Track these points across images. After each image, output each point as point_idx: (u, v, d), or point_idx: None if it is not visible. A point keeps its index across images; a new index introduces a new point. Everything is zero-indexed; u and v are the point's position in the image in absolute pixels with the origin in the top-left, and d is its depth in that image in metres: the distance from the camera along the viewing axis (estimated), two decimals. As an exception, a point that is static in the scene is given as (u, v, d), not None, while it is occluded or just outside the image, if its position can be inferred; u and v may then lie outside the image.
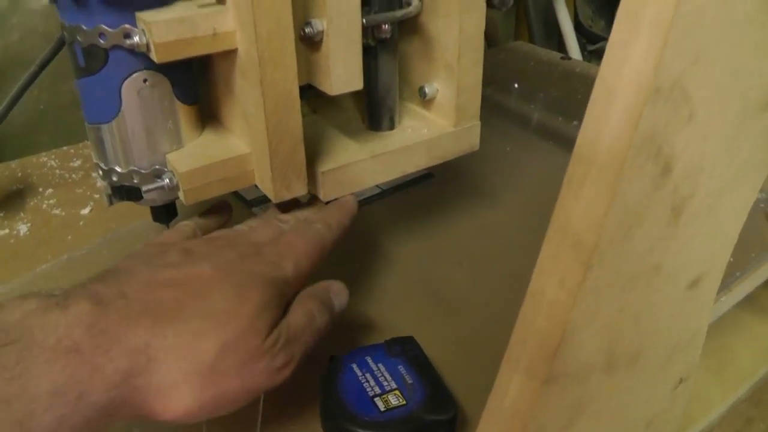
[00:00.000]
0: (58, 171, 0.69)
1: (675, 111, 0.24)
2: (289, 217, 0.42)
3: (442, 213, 0.57)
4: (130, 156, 0.40)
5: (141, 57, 0.37)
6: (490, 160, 0.65)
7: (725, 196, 0.31)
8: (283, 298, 0.34)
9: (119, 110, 0.39)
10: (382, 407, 0.33)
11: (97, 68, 0.38)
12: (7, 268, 0.53)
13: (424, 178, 0.62)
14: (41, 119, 0.89)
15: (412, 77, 0.48)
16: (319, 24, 0.37)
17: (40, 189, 0.66)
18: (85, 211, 0.61)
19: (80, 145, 0.74)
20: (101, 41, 0.37)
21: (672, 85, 0.24)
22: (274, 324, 0.32)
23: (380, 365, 0.35)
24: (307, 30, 0.37)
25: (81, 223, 0.60)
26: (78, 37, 0.37)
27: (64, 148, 0.75)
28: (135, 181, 0.41)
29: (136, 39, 0.36)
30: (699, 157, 0.27)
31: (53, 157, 0.72)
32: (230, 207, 0.45)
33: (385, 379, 0.34)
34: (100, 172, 0.42)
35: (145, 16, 0.35)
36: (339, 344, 0.39)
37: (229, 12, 0.36)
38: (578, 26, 1.38)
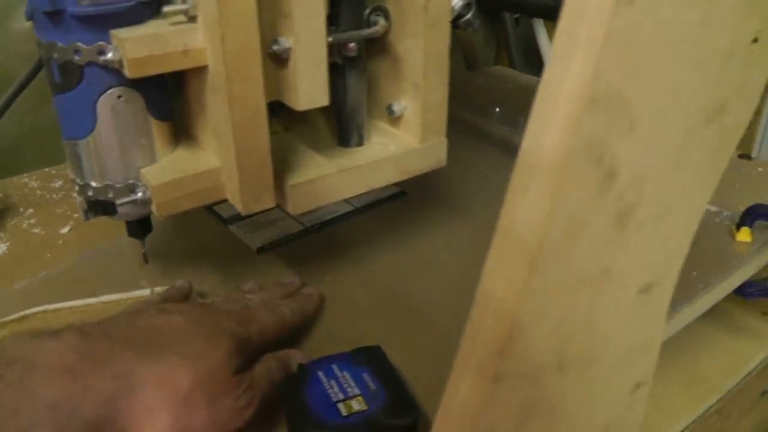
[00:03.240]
0: (38, 192, 0.70)
1: (615, 120, 0.26)
2: (256, 296, 0.46)
3: (414, 230, 0.58)
4: (104, 171, 0.42)
5: (115, 74, 0.39)
6: (463, 179, 0.66)
7: (674, 206, 0.32)
8: (246, 354, 0.38)
9: (94, 126, 0.40)
10: (344, 412, 0.34)
11: (72, 85, 0.39)
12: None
13: (398, 196, 0.64)
14: (25, 140, 0.90)
15: (381, 95, 0.50)
16: (286, 42, 0.38)
17: (21, 209, 0.66)
18: (65, 230, 0.62)
19: (61, 166, 0.75)
20: (77, 58, 0.38)
21: (609, 96, 0.25)
22: (239, 370, 0.37)
23: (345, 372, 0.36)
24: (274, 47, 0.38)
25: (60, 241, 0.60)
26: (54, 54, 0.38)
27: (46, 169, 0.75)
28: (110, 196, 0.42)
29: (110, 55, 0.37)
30: (644, 166, 0.29)
31: (35, 178, 0.73)
32: (191, 288, 0.49)
33: (349, 386, 0.35)
34: (77, 188, 0.43)
35: (119, 33, 0.36)
36: (308, 353, 0.40)
37: (199, 29, 0.37)
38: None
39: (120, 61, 0.37)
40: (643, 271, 0.32)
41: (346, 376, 0.36)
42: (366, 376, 0.36)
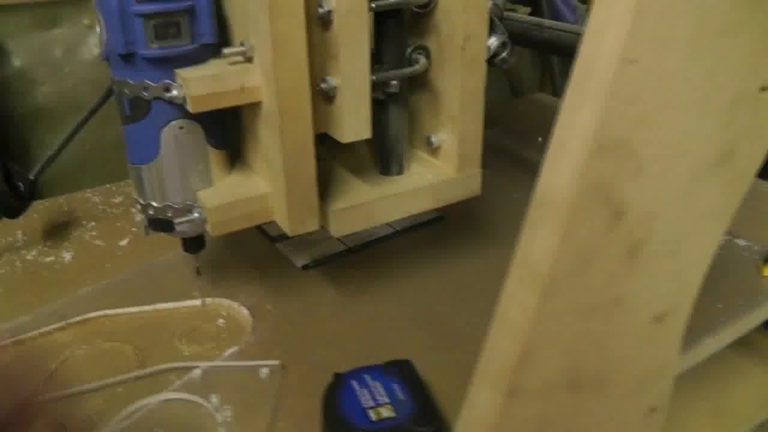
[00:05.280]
0: (100, 206, 0.76)
1: (621, 165, 0.29)
2: None
3: (450, 253, 0.61)
4: (165, 193, 0.46)
5: (178, 107, 0.43)
6: (501, 206, 0.69)
7: (685, 241, 0.34)
8: None
9: (158, 153, 0.45)
10: (374, 417, 0.37)
11: (140, 116, 0.44)
12: (53, 291, 0.59)
13: (436, 221, 0.67)
14: (87, 160, 0.96)
15: (421, 127, 0.53)
16: (333, 80, 0.42)
17: (84, 222, 0.72)
18: (123, 242, 0.67)
19: (122, 183, 0.81)
20: (145, 94, 0.42)
21: (616, 142, 0.28)
22: None
23: (377, 382, 0.39)
24: (323, 86, 0.42)
25: (119, 253, 0.65)
26: (125, 90, 0.43)
27: (107, 185, 0.81)
28: (168, 215, 0.46)
29: (175, 92, 0.41)
30: (653, 205, 0.31)
31: (97, 193, 0.79)
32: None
33: (380, 395, 0.38)
34: (139, 206, 0.48)
35: (183, 73, 0.41)
36: (344, 364, 0.43)
37: (256, 69, 0.41)
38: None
39: (183, 98, 0.41)
40: (656, 301, 0.35)
41: (377, 386, 0.39)
42: (396, 387, 0.39)
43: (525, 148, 0.83)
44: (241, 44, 0.42)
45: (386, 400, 0.38)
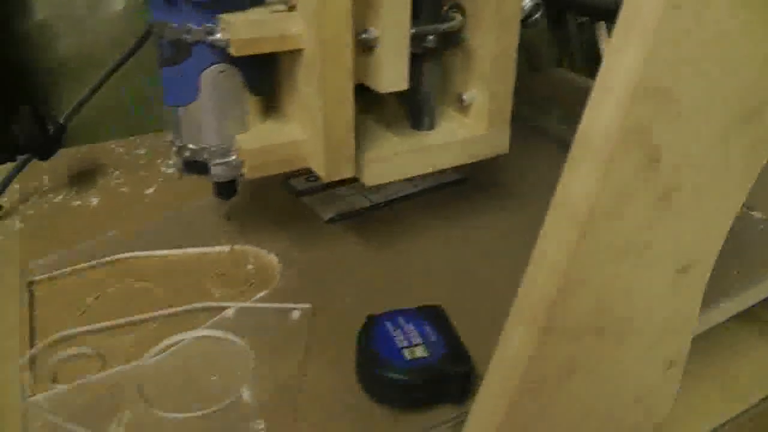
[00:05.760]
0: (125, 156, 0.77)
1: (662, 109, 0.30)
2: None
3: (472, 213, 0.62)
4: (202, 135, 0.47)
5: (219, 52, 0.44)
6: (520, 171, 0.70)
7: (712, 194, 0.35)
8: None
9: (197, 96, 0.46)
10: (408, 356, 0.38)
11: (180, 59, 0.45)
12: (81, 232, 0.60)
13: (458, 182, 0.68)
14: (105, 115, 0.98)
15: (452, 85, 0.54)
16: (374, 31, 0.43)
17: (109, 170, 0.73)
18: (150, 190, 0.68)
19: (145, 136, 0.82)
20: (187, 37, 0.43)
21: (658, 87, 0.29)
22: None
23: (410, 325, 0.41)
24: (363, 36, 0.43)
25: (146, 200, 0.66)
26: (166, 33, 0.44)
27: (131, 137, 0.82)
28: (205, 157, 0.47)
29: (218, 35, 0.42)
30: (686, 154, 0.32)
31: (121, 144, 0.80)
32: None
33: (413, 336, 0.40)
34: (175, 149, 0.49)
35: (228, 17, 0.42)
36: (372, 310, 0.44)
37: (297, 18, 0.42)
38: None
39: (226, 41, 0.42)
40: (681, 252, 0.36)
41: (410, 328, 0.40)
42: (428, 329, 0.40)
43: (543, 117, 0.84)
44: (285, -9, 0.42)
45: (419, 341, 0.39)
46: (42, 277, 0.54)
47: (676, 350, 0.41)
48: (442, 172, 0.68)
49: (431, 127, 0.52)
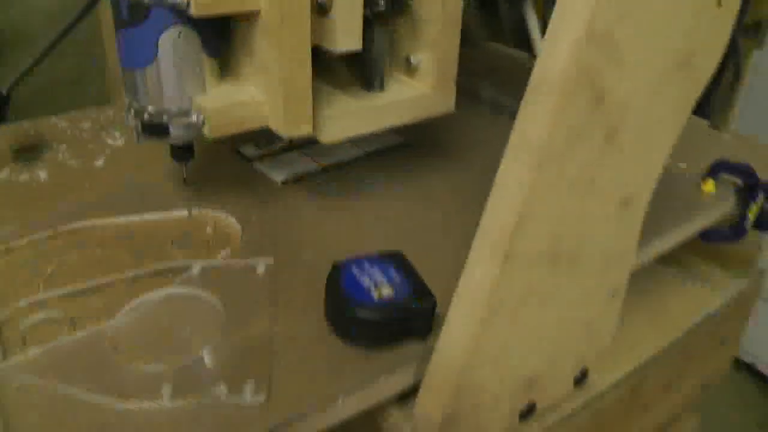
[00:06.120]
0: (69, 131, 0.76)
1: (606, 54, 0.33)
2: None
3: (417, 172, 0.65)
4: (161, 97, 0.48)
5: (177, 13, 0.45)
6: (459, 134, 0.73)
7: (650, 133, 0.39)
8: None
9: (155, 57, 0.46)
10: (376, 297, 0.41)
11: (139, 21, 0.45)
12: (34, 206, 0.59)
13: (401, 146, 0.70)
14: (40, 94, 0.95)
15: (400, 49, 0.56)
16: (329, -8, 0.45)
17: (54, 144, 0.72)
18: (99, 162, 0.68)
19: (87, 110, 0.81)
20: (146, -2, 0.44)
21: (603, 34, 0.32)
22: None
23: (374, 268, 0.43)
24: (320, 0, 0.45)
25: (95, 172, 0.66)
26: (125, -6, 0.45)
27: (72, 112, 0.81)
28: (164, 119, 0.48)
29: (179, -3, 0.43)
30: (627, 96, 0.36)
31: (63, 119, 0.79)
32: None
33: (379, 278, 0.42)
34: (132, 112, 0.49)
35: (187, -22, 0.43)
36: (336, 259, 0.46)
37: (256, -22, 0.44)
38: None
39: (187, 2, 0.43)
40: (623, 186, 0.40)
41: (375, 271, 0.43)
42: (392, 272, 0.43)
43: (478, 86, 0.87)
44: (242, -48, 0.44)
45: (385, 282, 0.42)
46: (-4, 249, 0.53)
47: (618, 280, 0.45)
48: (385, 136, 0.70)
49: (381, 88, 0.54)
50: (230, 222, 0.56)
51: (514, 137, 0.34)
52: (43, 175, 0.66)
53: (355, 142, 0.70)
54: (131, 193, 0.61)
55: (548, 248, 0.37)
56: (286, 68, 0.44)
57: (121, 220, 0.56)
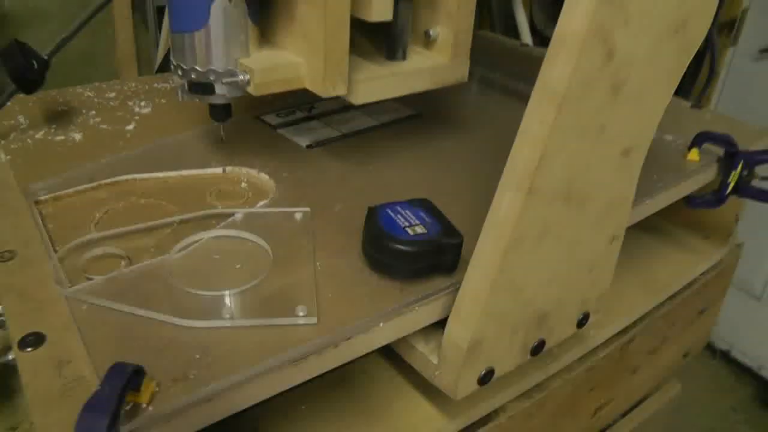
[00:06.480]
0: (96, 100, 0.80)
1: (616, 15, 0.39)
2: None
3: (431, 138, 0.71)
4: (210, 58, 0.53)
5: (229, -18, 0.50)
6: (464, 108, 0.79)
7: (649, 89, 0.45)
8: None
9: (206, 22, 0.51)
10: (410, 233, 0.46)
11: (194, -12, 0.50)
12: (72, 161, 0.63)
13: (413, 117, 0.76)
14: (52, 71, 0.99)
15: (418, 24, 0.62)
16: (366, -34, 0.50)
17: (84, 111, 0.76)
18: (129, 127, 0.72)
19: (111, 82, 0.85)
20: (202, -34, 0.49)
21: (615, -2, 0.38)
22: None
23: (407, 211, 0.49)
24: (357, -30, 0.50)
25: (127, 135, 0.71)
26: (182, -37, 0.50)
27: (96, 84, 0.85)
28: (211, 78, 0.53)
29: (234, -36, 0.48)
30: (631, 53, 0.42)
31: (89, 89, 0.83)
32: None
33: (411, 218, 0.48)
34: (180, 72, 0.54)
35: (242, -52, 0.48)
36: (364, 211, 0.52)
37: (301, -49, 0.49)
38: (533, 31, 1.55)
39: (241, -30, 0.48)
40: (625, 136, 0.45)
41: (407, 213, 0.48)
42: (422, 214, 0.48)
43: (477, 69, 0.93)
44: (290, -72, 0.49)
45: (417, 222, 0.47)
46: (47, 196, 0.58)
47: (618, 225, 0.51)
48: (397, 108, 0.76)
49: (404, 57, 0.60)
50: (263, 178, 0.61)
51: (539, 84, 0.39)
52: (78, 136, 0.70)
53: (369, 113, 0.75)
54: (164, 152, 0.66)
55: (563, 187, 0.43)
56: (328, 32, 0.50)
57: (160, 174, 0.61)
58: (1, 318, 0.47)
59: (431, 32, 0.60)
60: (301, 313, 0.44)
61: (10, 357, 0.47)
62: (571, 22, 0.38)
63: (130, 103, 0.79)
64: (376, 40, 0.61)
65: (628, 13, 0.39)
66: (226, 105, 0.57)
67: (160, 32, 1.14)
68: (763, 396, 1.77)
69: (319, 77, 0.52)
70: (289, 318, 0.44)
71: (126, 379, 0.34)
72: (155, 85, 0.84)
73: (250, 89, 0.53)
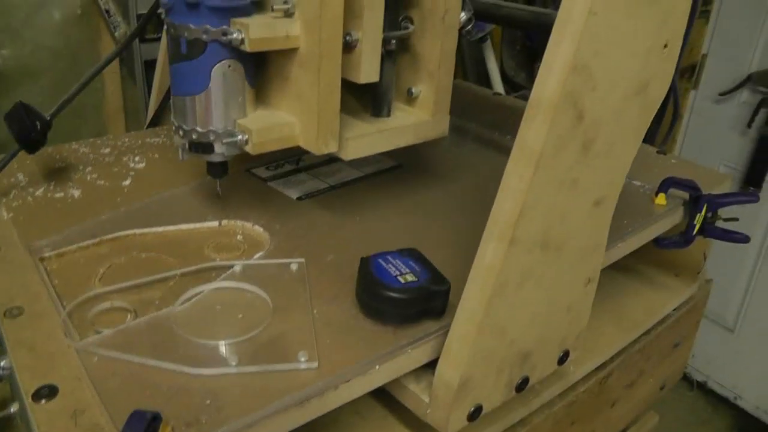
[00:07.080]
0: (91, 155, 0.83)
1: (584, 82, 0.43)
2: None
3: (413, 187, 0.75)
4: (210, 119, 0.57)
5: (229, 49, 0.54)
6: (438, 158, 0.84)
7: (616, 145, 0.50)
8: None
9: (207, 86, 0.55)
10: (402, 281, 0.50)
11: (196, 55, 0.54)
12: (73, 218, 0.66)
13: (395, 168, 0.80)
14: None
15: (401, 82, 0.66)
16: (356, 34, 0.54)
17: (80, 167, 0.79)
18: (126, 182, 0.75)
19: (105, 138, 0.88)
20: (204, 36, 0.53)
21: (583, 66, 0.43)
22: None
23: (397, 260, 0.52)
24: (347, 38, 0.55)
25: (125, 190, 0.74)
26: (185, 33, 0.54)
27: (90, 139, 0.88)
28: (211, 138, 0.57)
29: (235, 35, 0.52)
30: (599, 114, 0.46)
31: (83, 145, 0.86)
32: None
33: (401, 267, 0.51)
34: (181, 133, 0.58)
35: (242, 20, 0.52)
36: (355, 261, 0.55)
37: (296, 22, 0.53)
38: (504, 77, 1.63)
39: (241, 40, 0.52)
40: (597, 188, 0.50)
41: (398, 262, 0.52)
42: (412, 263, 0.52)
43: (451, 119, 0.98)
44: (285, 2, 0.53)
45: (407, 270, 0.51)
46: (51, 253, 0.60)
47: (593, 270, 0.55)
48: (380, 160, 0.80)
49: (389, 114, 0.64)
50: (257, 230, 0.64)
51: (516, 145, 0.44)
52: (76, 193, 0.73)
53: (354, 165, 0.79)
54: (162, 207, 0.69)
55: (541, 237, 0.47)
56: (322, 94, 0.54)
57: (159, 229, 0.64)
58: (3, 372, 0.50)
59: (413, 90, 0.65)
60: (302, 359, 0.47)
61: (12, 410, 0.49)
62: (545, 89, 0.42)
63: (125, 159, 0.82)
64: (362, 98, 0.66)
65: (596, 80, 0.44)
66: (223, 162, 0.61)
67: (147, 86, 1.18)
68: (740, 425, 1.81)
69: (312, 136, 0.56)
70: (292, 363, 0.47)
71: (146, 426, 0.37)
72: (147, 140, 0.87)
73: (248, 148, 0.56)
